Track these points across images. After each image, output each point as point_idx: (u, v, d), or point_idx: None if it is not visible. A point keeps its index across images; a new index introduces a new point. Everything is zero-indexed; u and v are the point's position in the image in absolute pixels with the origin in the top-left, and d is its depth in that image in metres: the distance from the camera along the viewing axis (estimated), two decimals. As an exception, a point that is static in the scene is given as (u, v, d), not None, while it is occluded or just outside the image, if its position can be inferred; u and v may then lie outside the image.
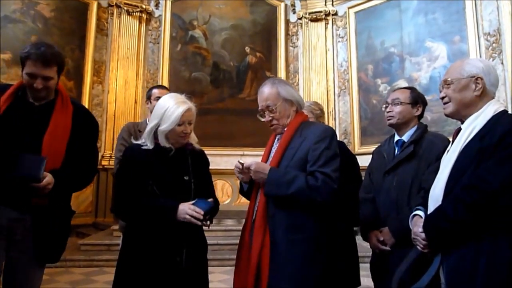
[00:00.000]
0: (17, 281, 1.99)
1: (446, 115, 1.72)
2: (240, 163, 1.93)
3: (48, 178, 1.87)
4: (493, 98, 1.63)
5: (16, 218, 1.94)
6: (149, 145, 1.98)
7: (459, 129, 1.64)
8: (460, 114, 1.65)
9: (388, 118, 2.28)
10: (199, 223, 1.84)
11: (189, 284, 1.93)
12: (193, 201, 1.88)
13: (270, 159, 2.00)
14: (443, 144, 2.02)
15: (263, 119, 2.04)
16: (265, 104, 1.99)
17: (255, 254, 1.84)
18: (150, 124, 1.98)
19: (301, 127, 1.99)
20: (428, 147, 2.11)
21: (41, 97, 2.03)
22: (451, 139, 1.72)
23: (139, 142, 2.03)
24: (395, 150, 2.25)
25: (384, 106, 2.35)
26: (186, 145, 2.06)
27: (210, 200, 1.92)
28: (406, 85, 6.63)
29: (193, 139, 2.09)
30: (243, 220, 2.04)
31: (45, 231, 1.98)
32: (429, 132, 2.23)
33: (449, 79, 1.66)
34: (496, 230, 1.42)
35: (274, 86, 2.00)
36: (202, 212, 1.83)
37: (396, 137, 2.28)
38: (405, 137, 2.22)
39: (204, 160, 2.15)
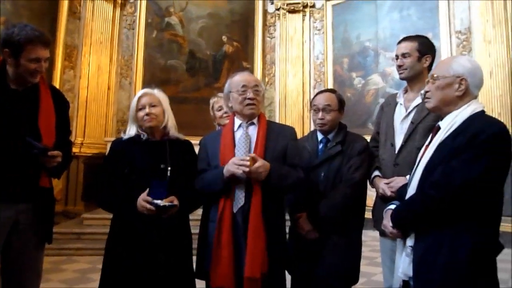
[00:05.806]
0: (25, 264, 2.02)
1: (428, 110, 1.82)
2: (246, 166, 1.87)
3: (56, 152, 1.94)
4: (475, 98, 1.66)
5: (23, 209, 1.97)
6: (132, 134, 2.12)
7: (439, 126, 1.69)
8: (441, 111, 1.70)
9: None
10: (155, 213, 1.90)
11: (174, 281, 1.97)
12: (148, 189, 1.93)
13: (246, 150, 2.01)
14: (362, 143, 2.34)
15: (243, 95, 2.04)
16: (254, 84, 2.09)
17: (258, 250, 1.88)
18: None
19: (269, 123, 2.14)
20: (349, 145, 2.32)
21: (33, 81, 2.00)
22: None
23: (123, 135, 2.17)
24: (318, 146, 2.40)
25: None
26: (164, 133, 2.15)
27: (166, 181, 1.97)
28: (380, 79, 6.76)
29: (171, 126, 2.16)
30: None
31: (46, 215, 2.08)
32: (349, 132, 2.43)
33: (435, 75, 1.69)
34: (457, 223, 1.51)
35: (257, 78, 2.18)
36: (150, 200, 1.88)
37: (320, 135, 2.42)
38: (330, 136, 2.39)
39: (186, 150, 2.20)
